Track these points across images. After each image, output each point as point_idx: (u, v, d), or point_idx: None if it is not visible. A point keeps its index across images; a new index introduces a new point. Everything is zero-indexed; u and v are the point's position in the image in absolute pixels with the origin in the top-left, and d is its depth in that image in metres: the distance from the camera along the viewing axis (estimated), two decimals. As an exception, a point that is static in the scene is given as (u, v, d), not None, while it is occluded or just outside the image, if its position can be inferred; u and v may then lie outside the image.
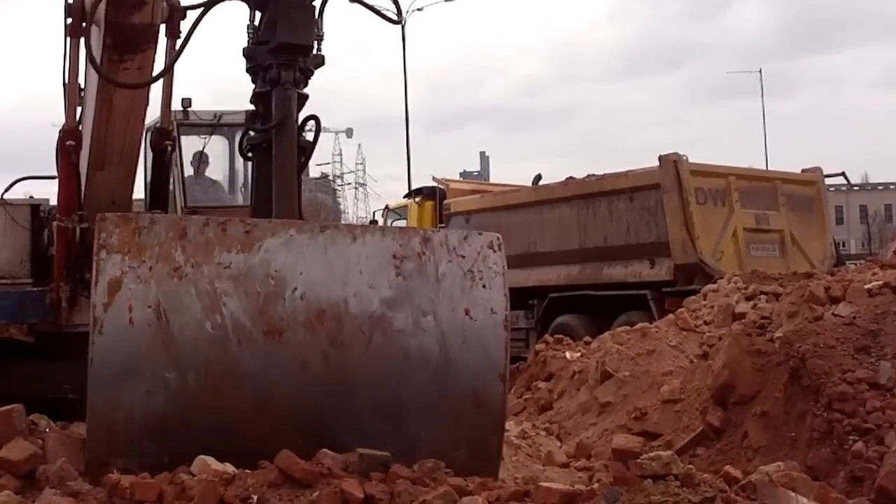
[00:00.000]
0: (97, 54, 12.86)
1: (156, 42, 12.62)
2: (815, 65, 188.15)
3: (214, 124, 15.91)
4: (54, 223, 14.69)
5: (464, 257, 6.94)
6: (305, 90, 8.26)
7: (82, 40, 12.94)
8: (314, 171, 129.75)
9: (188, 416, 6.47)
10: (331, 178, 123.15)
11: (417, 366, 6.71)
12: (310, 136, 8.40)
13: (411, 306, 6.72)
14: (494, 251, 7.05)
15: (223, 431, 6.54)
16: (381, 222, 26.09)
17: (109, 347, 6.57)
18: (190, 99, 15.15)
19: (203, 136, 16.19)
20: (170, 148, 14.62)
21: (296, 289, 6.54)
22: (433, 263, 6.84)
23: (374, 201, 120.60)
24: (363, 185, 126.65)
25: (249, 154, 8.93)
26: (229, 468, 6.61)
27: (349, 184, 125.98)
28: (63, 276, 14.28)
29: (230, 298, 6.45)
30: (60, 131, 14.16)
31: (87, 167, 13.83)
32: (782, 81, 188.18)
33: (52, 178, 15.34)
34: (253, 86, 8.65)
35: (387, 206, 26.38)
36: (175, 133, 14.81)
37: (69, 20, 12.23)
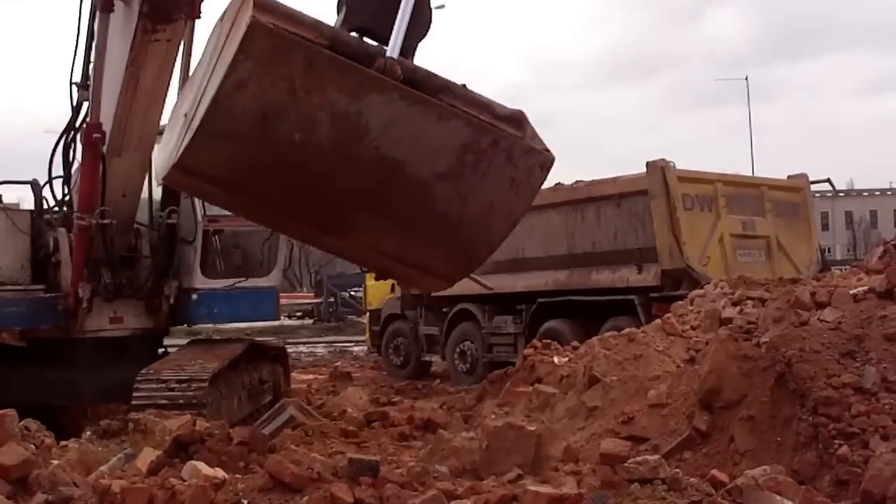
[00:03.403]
0: (122, 33, 13.07)
1: (187, 13, 12.90)
2: (792, 72, 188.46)
3: None
4: (59, 228, 14.76)
5: (516, 167, 8.16)
6: None
7: (111, 17, 13.19)
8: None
9: (257, 183, 7.81)
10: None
11: (436, 220, 8.19)
12: None
13: (454, 187, 7.99)
14: (541, 171, 8.34)
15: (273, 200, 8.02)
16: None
17: (219, 114, 7.33)
18: None
19: None
20: None
21: (375, 139, 7.60)
22: (488, 161, 7.98)
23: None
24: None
25: None
26: (220, 473, 6.65)
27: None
28: (83, 277, 14.31)
29: (321, 126, 7.48)
30: (70, 127, 14.23)
31: (104, 156, 13.91)
32: (760, 89, 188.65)
33: (24, 182, 15.38)
34: None
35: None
36: None
37: None
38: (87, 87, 14.28)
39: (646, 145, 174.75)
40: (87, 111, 14.23)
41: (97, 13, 13.84)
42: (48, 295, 14.53)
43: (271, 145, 7.49)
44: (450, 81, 8.23)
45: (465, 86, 8.32)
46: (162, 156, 8.61)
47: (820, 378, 8.02)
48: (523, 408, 11.19)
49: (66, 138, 14.79)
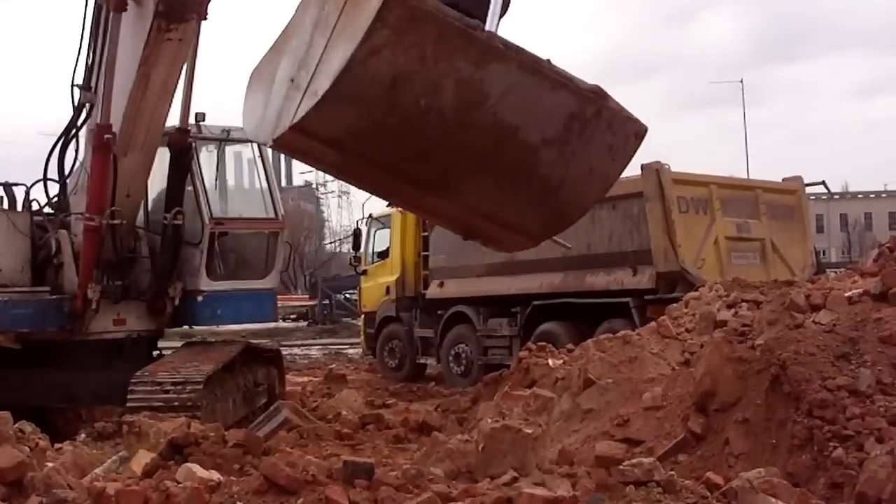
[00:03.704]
0: (132, 33, 13.28)
1: (199, 14, 13.32)
2: (785, 75, 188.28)
3: (224, 139, 16.14)
4: (60, 230, 14.79)
5: (615, 135, 8.80)
6: None
7: (123, 16, 13.45)
8: (297, 179, 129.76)
9: (375, 145, 8.22)
10: (314, 186, 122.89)
11: (539, 182, 8.77)
12: None
13: (559, 152, 8.56)
14: (636, 140, 9.04)
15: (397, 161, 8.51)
16: (364, 232, 26.12)
17: (352, 79, 7.66)
18: (204, 114, 15.49)
19: (210, 150, 16.37)
20: (191, 148, 14.92)
21: (493, 105, 8.10)
22: (592, 129, 8.59)
23: (357, 210, 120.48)
24: (347, 193, 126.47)
25: None
26: (214, 475, 6.64)
27: (332, 192, 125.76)
28: (92, 278, 14.36)
29: (445, 92, 7.92)
30: (74, 129, 14.34)
31: (115, 157, 14.12)
32: (754, 91, 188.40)
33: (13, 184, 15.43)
34: None
35: (370, 215, 26.39)
36: (193, 134, 15.15)
37: None
38: (88, 88, 14.41)
39: (640, 147, 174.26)
40: (92, 112, 14.39)
41: (102, 13, 14.03)
42: (54, 297, 14.55)
43: (397, 110, 7.96)
44: (538, 56, 8.48)
45: (549, 61, 8.55)
46: (254, 120, 9.03)
47: (815, 380, 8.03)
48: (521, 411, 11.19)
49: (64, 140, 14.88)
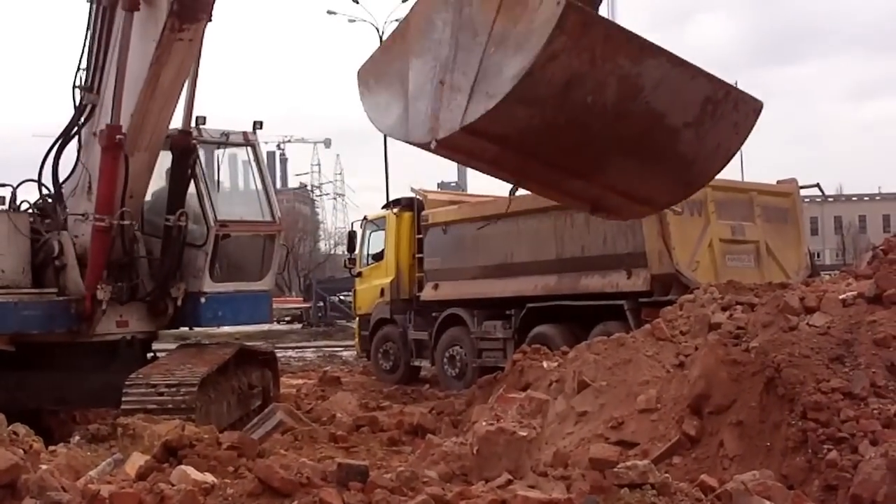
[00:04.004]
0: (142, 33, 13.55)
1: (209, 15, 13.86)
2: (780, 77, 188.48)
3: (223, 142, 16.28)
4: (62, 231, 14.80)
5: (738, 112, 9.83)
6: None
7: (135, 16, 13.70)
8: (292, 181, 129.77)
9: (539, 140, 9.27)
10: (309, 188, 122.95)
11: (677, 160, 9.90)
12: None
13: (695, 132, 9.60)
14: (755, 115, 10.00)
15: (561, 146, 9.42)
16: (359, 234, 26.13)
17: (531, 83, 8.54)
18: (205, 117, 15.68)
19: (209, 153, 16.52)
20: (194, 150, 15.06)
21: (646, 96, 9.11)
22: (722, 109, 9.63)
23: (352, 212, 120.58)
24: (341, 195, 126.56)
25: None
26: (209, 478, 6.64)
27: (327, 194, 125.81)
28: (102, 279, 14.40)
29: (609, 88, 8.91)
30: (92, 129, 14.45)
31: (127, 157, 14.35)
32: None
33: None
34: None
35: (365, 217, 26.38)
36: (196, 138, 15.28)
37: None
38: (90, 89, 14.56)
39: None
40: (94, 113, 14.53)
41: (107, 14, 14.25)
42: (61, 299, 14.56)
43: (566, 108, 8.89)
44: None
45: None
46: (390, 119, 10.03)
47: (809, 383, 8.04)
48: (515, 413, 11.18)
49: (63, 141, 14.97)
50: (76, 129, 15.04)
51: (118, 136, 14.08)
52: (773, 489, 7.01)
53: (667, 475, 7.42)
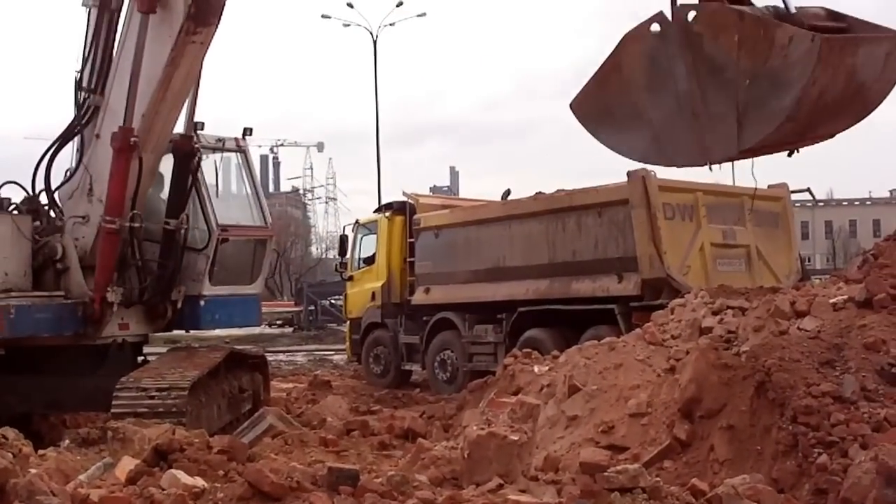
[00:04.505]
0: (154, 35, 14.09)
1: (219, 19, 14.32)
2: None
3: (220, 148, 16.45)
4: (63, 234, 14.81)
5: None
6: None
7: (151, 18, 13.93)
8: (285, 185, 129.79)
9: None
10: (301, 192, 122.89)
11: (861, 106, 11.53)
12: None
13: (877, 82, 11.20)
14: None
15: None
16: (350, 238, 26.12)
17: (802, 107, 10.56)
18: (203, 122, 15.92)
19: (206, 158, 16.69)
20: (196, 154, 15.19)
21: (859, 75, 10.95)
22: (893, 60, 11.13)
23: (344, 216, 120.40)
24: (333, 199, 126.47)
25: None
26: (199, 482, 6.63)
27: (319, 198, 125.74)
28: (112, 281, 14.47)
29: (839, 81, 10.73)
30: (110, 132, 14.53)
31: (141, 159, 14.58)
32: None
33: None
34: None
35: (357, 221, 26.36)
36: (198, 145, 15.45)
37: None
38: (93, 90, 14.68)
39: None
40: (98, 115, 14.61)
41: (114, 17, 14.52)
42: (69, 301, 14.58)
43: (814, 108, 10.64)
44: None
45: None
46: (654, 150, 11.73)
47: (799, 387, 8.05)
48: (506, 418, 11.19)
49: (61, 143, 15.04)
50: (77, 130, 15.11)
51: (133, 139, 14.21)
52: (763, 493, 7.02)
53: (657, 479, 7.43)
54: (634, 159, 12.66)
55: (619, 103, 11.46)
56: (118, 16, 14.97)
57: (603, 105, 11.64)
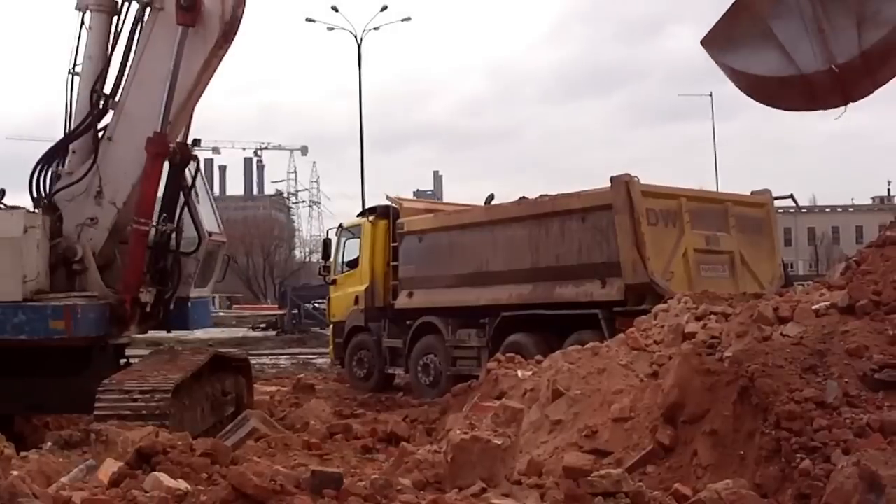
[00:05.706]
0: (194, 47, 14.76)
1: (235, 34, 15.14)
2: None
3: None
4: (77, 236, 14.91)
5: None
6: None
7: (190, 31, 14.70)
8: (269, 188, 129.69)
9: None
10: (285, 195, 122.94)
11: None
12: None
13: None
14: None
15: None
16: (334, 241, 26.14)
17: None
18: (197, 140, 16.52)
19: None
20: (193, 160, 15.56)
21: None
22: None
23: (327, 219, 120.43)
24: (317, 203, 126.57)
25: None
26: (182, 485, 6.61)
27: (303, 202, 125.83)
28: (144, 282, 14.70)
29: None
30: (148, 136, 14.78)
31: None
32: (723, 104, 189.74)
33: None
34: None
35: (340, 225, 26.36)
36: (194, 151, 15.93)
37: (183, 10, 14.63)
38: (111, 95, 15.21)
39: (608, 159, 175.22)
40: (114, 119, 15.23)
41: (135, 25, 15.17)
42: (102, 302, 14.72)
43: None
44: None
45: None
46: (782, 63, 11.90)
47: (782, 392, 8.07)
48: (489, 422, 11.19)
49: (65, 146, 15.21)
50: (94, 131, 15.31)
51: (171, 145, 15.02)
52: (746, 498, 7.04)
53: (640, 484, 7.45)
54: (766, 73, 12.81)
55: (749, 33, 12.13)
56: (124, 22, 15.41)
57: (733, 37, 12.27)
